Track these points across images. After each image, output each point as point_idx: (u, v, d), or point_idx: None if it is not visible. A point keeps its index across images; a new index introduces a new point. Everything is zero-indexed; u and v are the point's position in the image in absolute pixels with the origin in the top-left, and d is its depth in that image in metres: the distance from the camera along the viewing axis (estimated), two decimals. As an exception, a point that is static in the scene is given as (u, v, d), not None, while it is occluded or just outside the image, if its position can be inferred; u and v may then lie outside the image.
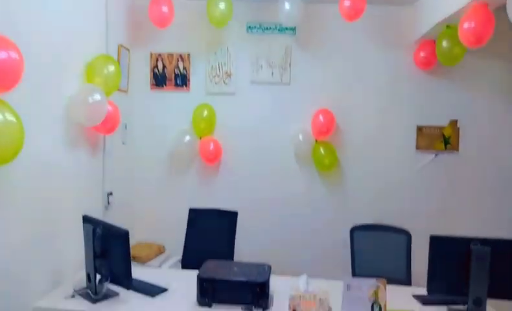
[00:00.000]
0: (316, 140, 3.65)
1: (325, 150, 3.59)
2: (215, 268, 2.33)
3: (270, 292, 2.26)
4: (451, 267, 2.25)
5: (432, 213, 3.67)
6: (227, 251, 3.14)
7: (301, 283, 2.28)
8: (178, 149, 3.77)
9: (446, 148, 3.68)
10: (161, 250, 3.69)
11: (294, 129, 3.70)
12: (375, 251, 3.08)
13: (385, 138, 3.72)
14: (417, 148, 3.71)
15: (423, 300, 2.38)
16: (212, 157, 3.71)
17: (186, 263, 3.19)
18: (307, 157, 3.72)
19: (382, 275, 3.03)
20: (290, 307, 2.18)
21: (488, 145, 3.65)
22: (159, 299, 2.31)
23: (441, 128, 3.67)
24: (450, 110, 3.68)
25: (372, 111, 3.73)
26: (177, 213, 3.49)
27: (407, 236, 3.06)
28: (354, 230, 3.10)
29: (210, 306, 2.18)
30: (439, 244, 2.27)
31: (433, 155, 3.70)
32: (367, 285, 2.16)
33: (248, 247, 3.76)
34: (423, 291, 2.50)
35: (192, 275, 2.40)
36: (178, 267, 3.27)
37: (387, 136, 3.72)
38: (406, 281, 2.99)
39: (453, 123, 3.68)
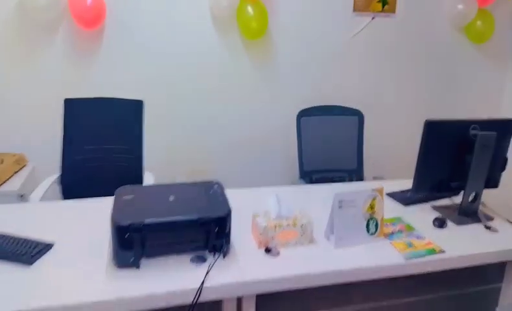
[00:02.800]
0: (241, -5, 2.64)
1: (253, 10, 2.62)
2: (138, 201, 1.41)
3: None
4: (446, 158, 1.80)
5: (368, 86, 3.21)
6: (134, 161, 2.19)
7: (271, 205, 1.55)
8: (33, 3, 2.33)
9: (383, 9, 3.10)
10: (20, 163, 2.49)
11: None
12: (324, 138, 2.51)
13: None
14: (354, 9, 3.03)
15: (404, 200, 1.94)
16: (91, 18, 2.41)
17: (71, 185, 2.15)
18: (229, 20, 2.73)
19: (333, 167, 2.57)
20: (260, 244, 1.48)
21: (427, 3, 3.17)
22: (40, 265, 1.34)
23: (381, -17, 3.02)
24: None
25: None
26: (40, 104, 2.28)
27: (360, 117, 2.54)
28: (301, 116, 2.42)
29: (138, 266, 1.33)
30: (434, 131, 1.75)
31: (370, 18, 3.10)
32: (362, 197, 1.56)
33: (164, 154, 2.83)
34: (391, 185, 2.09)
35: (90, 208, 1.48)
36: (58, 195, 2.18)
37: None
38: (358, 170, 2.56)
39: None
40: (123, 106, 2.19)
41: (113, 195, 1.46)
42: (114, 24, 2.56)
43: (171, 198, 1.44)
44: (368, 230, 1.58)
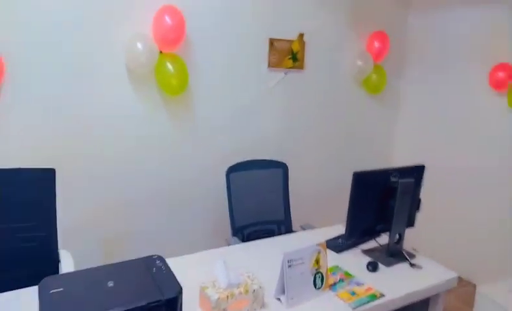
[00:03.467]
0: (161, 52, 2.60)
1: (173, 66, 2.60)
2: (70, 293, 1.22)
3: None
4: (372, 204, 1.95)
5: (283, 136, 3.38)
6: (46, 239, 1.93)
7: (219, 273, 1.49)
8: None
9: (294, 65, 3.35)
10: None
11: (128, 34, 2.52)
12: (252, 191, 2.54)
13: (238, 54, 3.04)
14: (269, 65, 3.22)
15: (336, 248, 2.03)
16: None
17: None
18: (147, 74, 2.66)
19: (263, 219, 2.60)
20: (215, 318, 1.40)
21: (331, 60, 3.51)
22: None
23: (291, 42, 3.28)
24: (299, 21, 3.30)
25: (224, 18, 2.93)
26: None
27: (284, 168, 2.64)
28: (230, 172, 2.42)
29: None
30: (361, 180, 1.90)
31: (284, 74, 3.32)
32: (308, 254, 1.60)
33: (80, 225, 2.54)
34: (319, 233, 2.19)
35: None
36: None
37: (241, 51, 3.05)
38: (286, 221, 2.63)
39: (301, 37, 3.34)
40: (29, 177, 1.93)
41: (21, 287, 1.25)
42: (13, 81, 2.31)
43: (110, 284, 1.29)
44: (315, 285, 1.61)
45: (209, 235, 3.10)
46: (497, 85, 3.09)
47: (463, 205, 3.43)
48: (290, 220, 2.63)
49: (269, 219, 2.61)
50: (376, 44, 3.53)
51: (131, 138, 2.70)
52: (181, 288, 1.29)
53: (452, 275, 1.82)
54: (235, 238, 2.34)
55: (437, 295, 1.83)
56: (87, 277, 1.33)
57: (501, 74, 3.04)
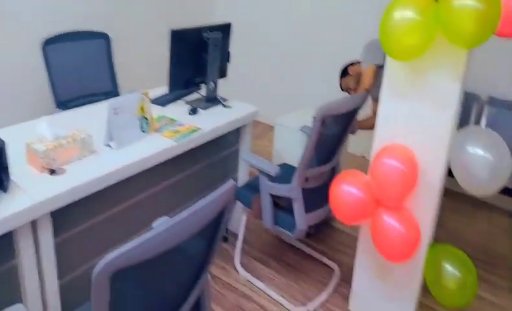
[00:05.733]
0: None
1: None
2: None
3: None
4: (189, 58, 2.18)
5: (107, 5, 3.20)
6: None
7: (44, 130, 1.54)
8: None
9: None
10: None
11: None
12: (74, 64, 2.46)
13: None
14: None
15: (163, 102, 2.25)
16: None
17: None
18: None
19: (89, 92, 2.58)
20: (42, 169, 1.50)
21: None
22: None
23: None
24: None
25: None
26: None
27: (106, 39, 2.60)
28: (46, 45, 2.27)
29: None
30: (178, 37, 2.07)
31: None
32: (133, 101, 1.78)
33: None
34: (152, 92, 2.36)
35: None
36: None
37: None
38: (114, 91, 2.68)
39: None
40: None
41: None
42: None
43: None
44: (142, 129, 1.83)
45: (32, 110, 2.91)
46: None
47: (267, 58, 4.03)
48: (117, 90, 2.70)
49: (96, 92, 2.62)
50: None
51: None
52: (3, 142, 1.34)
53: (253, 108, 2.28)
54: (59, 110, 2.32)
55: (244, 126, 2.29)
56: None
57: None
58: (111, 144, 1.71)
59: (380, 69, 2.35)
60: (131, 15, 3.44)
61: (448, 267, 1.59)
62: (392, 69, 1.65)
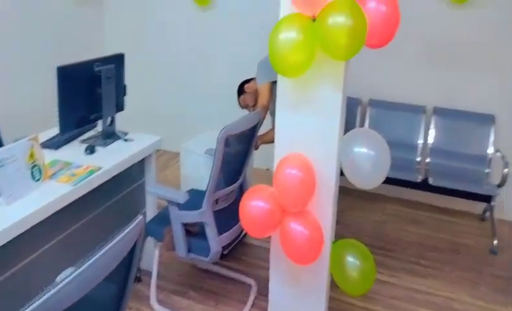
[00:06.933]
0: None
1: None
2: None
3: None
4: (81, 95, 2.07)
5: None
6: None
7: None
8: None
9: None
10: None
11: None
12: None
13: None
14: None
15: (55, 145, 2.09)
16: None
17: None
18: None
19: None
20: None
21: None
22: None
23: None
24: None
25: None
26: None
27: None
28: None
29: None
30: (66, 74, 1.97)
31: None
32: (20, 149, 1.65)
33: None
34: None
35: None
36: None
37: None
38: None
39: None
40: None
41: None
42: None
43: None
44: (34, 178, 1.69)
45: None
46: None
47: (164, 86, 4.02)
48: (0, 139, 2.45)
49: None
50: None
51: None
52: None
53: (156, 138, 2.27)
54: None
55: (149, 157, 2.26)
56: None
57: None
58: (1, 200, 1.55)
59: (274, 84, 2.51)
60: (11, 54, 3.17)
61: (350, 259, 1.76)
62: (283, 84, 1.78)
